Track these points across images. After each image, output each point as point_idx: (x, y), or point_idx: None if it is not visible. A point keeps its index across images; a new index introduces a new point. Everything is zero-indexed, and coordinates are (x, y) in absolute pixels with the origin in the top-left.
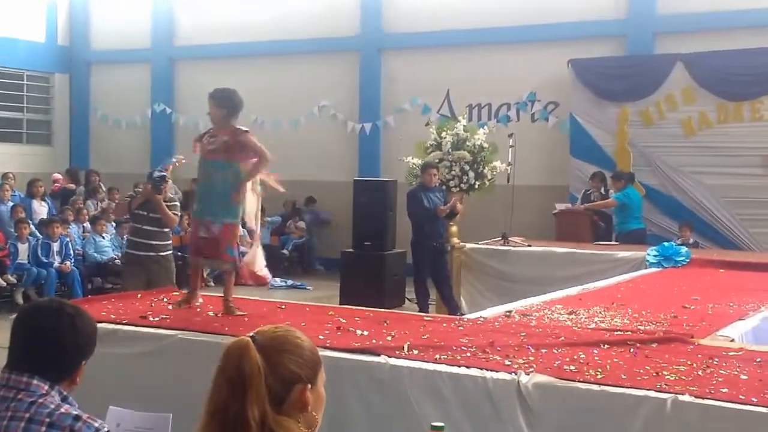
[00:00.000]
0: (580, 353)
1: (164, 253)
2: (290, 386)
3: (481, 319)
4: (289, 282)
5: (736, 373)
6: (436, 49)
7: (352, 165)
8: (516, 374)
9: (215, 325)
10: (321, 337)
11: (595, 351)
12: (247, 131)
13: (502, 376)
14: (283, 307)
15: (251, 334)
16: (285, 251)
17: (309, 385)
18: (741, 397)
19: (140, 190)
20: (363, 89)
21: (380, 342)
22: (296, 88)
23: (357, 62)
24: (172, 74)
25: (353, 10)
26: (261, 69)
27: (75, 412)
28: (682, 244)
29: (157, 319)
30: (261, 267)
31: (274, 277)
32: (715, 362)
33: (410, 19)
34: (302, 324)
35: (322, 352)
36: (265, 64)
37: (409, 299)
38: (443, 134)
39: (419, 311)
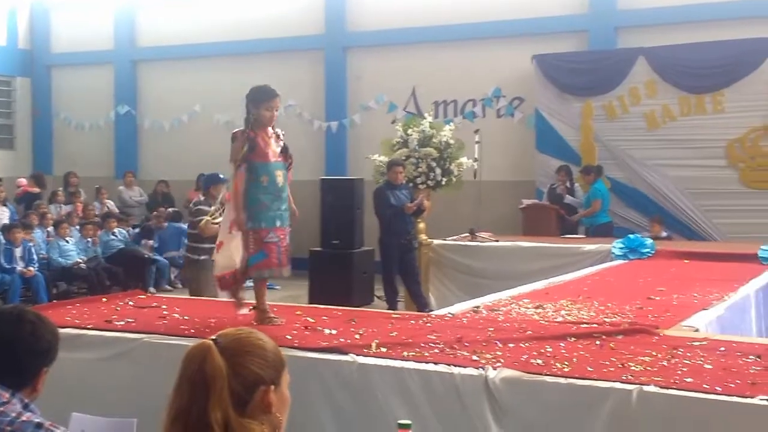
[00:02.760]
0: (547, 347)
1: None
2: (253, 388)
3: (449, 315)
4: None
5: (700, 362)
6: (401, 46)
7: (318, 164)
8: (483, 369)
9: (181, 328)
10: (289, 336)
11: (562, 344)
12: None
13: (470, 371)
14: (252, 308)
15: (213, 336)
16: None
17: (272, 387)
18: (705, 386)
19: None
20: (329, 88)
21: (348, 341)
22: None
23: (322, 61)
24: (136, 76)
25: (317, 9)
26: (225, 69)
27: (37, 420)
28: (654, 239)
29: (122, 323)
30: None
31: None
32: (679, 352)
33: (375, 17)
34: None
35: (290, 352)
36: (230, 64)
37: (378, 297)
38: (409, 131)
39: (388, 309)
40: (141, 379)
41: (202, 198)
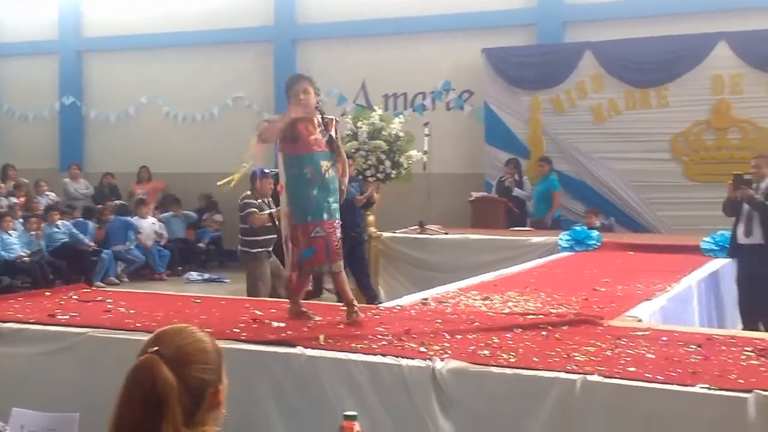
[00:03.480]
0: (494, 338)
1: None
2: (202, 395)
3: (398, 307)
4: (206, 276)
5: (643, 352)
6: (351, 39)
7: (269, 156)
8: (431, 361)
9: (126, 323)
10: (236, 329)
11: (509, 335)
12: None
13: (417, 363)
14: (199, 301)
15: (154, 348)
16: (201, 244)
17: (219, 386)
18: (647, 375)
19: (252, 202)
20: (278, 80)
21: (296, 333)
22: (210, 79)
23: (271, 53)
24: (81, 66)
25: (267, 1)
26: (173, 60)
27: None
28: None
29: (66, 317)
30: None
31: (190, 271)
32: (623, 342)
33: (324, 9)
34: (218, 317)
35: (238, 345)
36: (178, 55)
37: (327, 290)
38: (359, 124)
39: (338, 301)
40: (85, 374)
41: (249, 192)
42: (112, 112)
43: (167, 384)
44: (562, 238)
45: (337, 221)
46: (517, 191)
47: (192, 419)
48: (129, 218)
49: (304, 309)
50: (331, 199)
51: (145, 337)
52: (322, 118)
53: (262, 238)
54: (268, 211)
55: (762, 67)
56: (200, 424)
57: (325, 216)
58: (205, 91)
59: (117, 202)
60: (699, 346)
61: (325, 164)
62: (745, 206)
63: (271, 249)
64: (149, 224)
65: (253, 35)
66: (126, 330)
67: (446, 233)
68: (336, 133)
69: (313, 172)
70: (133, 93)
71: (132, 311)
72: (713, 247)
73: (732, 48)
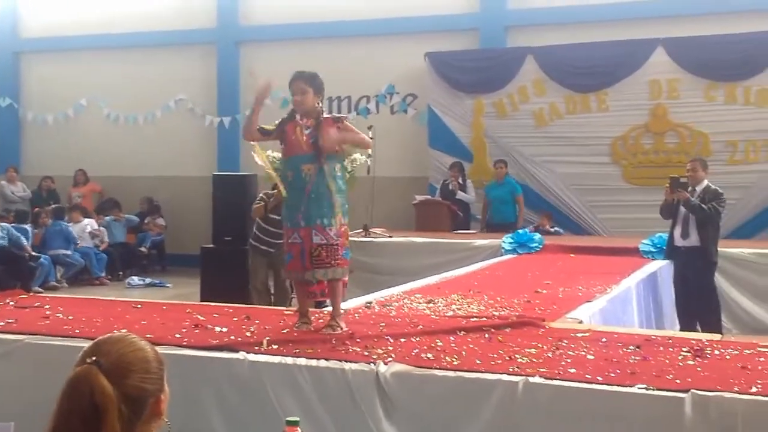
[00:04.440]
0: (438, 341)
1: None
2: (143, 405)
3: (342, 311)
4: (147, 280)
5: (583, 353)
6: (295, 41)
7: (210, 159)
8: (374, 364)
9: (65, 329)
10: (178, 335)
11: (452, 338)
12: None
13: (361, 366)
14: (139, 306)
15: (92, 358)
16: (143, 248)
17: (161, 395)
18: (587, 376)
19: (268, 193)
20: (221, 82)
21: (239, 338)
22: (151, 81)
23: (214, 55)
24: (18, 67)
25: (209, 2)
26: (114, 62)
27: None
28: (542, 233)
29: (2, 323)
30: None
31: (131, 275)
32: (564, 344)
33: (268, 11)
34: (159, 322)
35: (180, 351)
36: (118, 57)
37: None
38: None
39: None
40: (21, 381)
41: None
42: (51, 114)
43: (105, 396)
44: (506, 240)
45: (319, 227)
46: (461, 194)
47: (132, 429)
48: (66, 223)
49: (305, 317)
50: (313, 205)
51: (84, 344)
52: (317, 118)
53: (257, 232)
54: (260, 204)
55: (698, 72)
56: (142, 430)
57: (302, 222)
58: (147, 93)
59: (54, 206)
60: (637, 347)
61: (306, 168)
62: (682, 209)
63: (267, 245)
64: (82, 228)
65: (195, 37)
66: (64, 336)
67: (390, 236)
68: (339, 129)
69: (293, 176)
70: (72, 95)
71: (70, 317)
72: (651, 249)
73: (669, 53)
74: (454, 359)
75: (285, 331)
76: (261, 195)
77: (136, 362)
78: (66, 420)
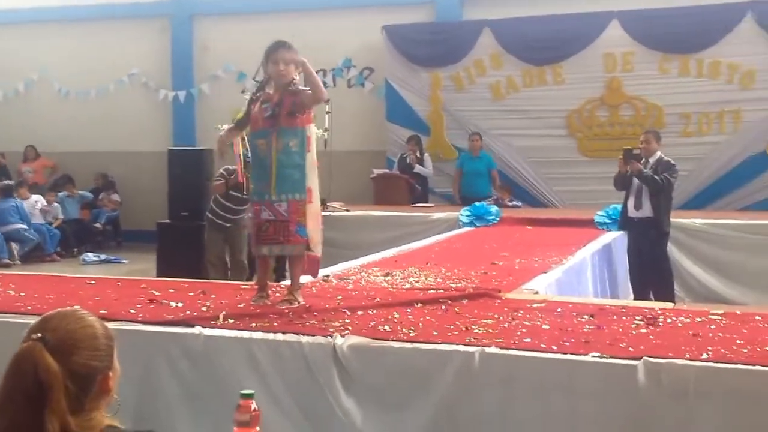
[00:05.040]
0: (395, 313)
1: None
2: (91, 382)
3: (299, 285)
4: (103, 257)
5: (539, 323)
6: (250, 15)
7: (165, 134)
8: (331, 337)
9: (17, 305)
10: (132, 311)
11: (409, 310)
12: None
13: (318, 340)
14: (93, 282)
15: (38, 334)
16: (98, 225)
17: (109, 372)
18: (542, 345)
19: (228, 169)
20: (175, 56)
21: (195, 313)
22: (104, 55)
23: (168, 29)
24: None
25: None
26: (65, 36)
27: None
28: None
29: None
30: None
31: (86, 252)
32: (520, 314)
33: None
34: (113, 298)
35: (134, 327)
36: (70, 30)
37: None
38: None
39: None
40: None
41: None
42: (0, 89)
43: (50, 373)
44: (463, 213)
45: (267, 203)
46: (418, 168)
47: (80, 407)
48: (16, 199)
49: (263, 291)
50: (262, 182)
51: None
52: (284, 91)
53: (214, 206)
54: (221, 182)
55: (651, 45)
56: (89, 411)
57: (255, 197)
58: (100, 68)
59: (5, 182)
60: (591, 317)
61: (260, 142)
62: (635, 181)
63: (223, 219)
64: (32, 204)
65: (149, 10)
66: (16, 313)
67: (348, 210)
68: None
69: (252, 153)
70: (22, 69)
71: (22, 294)
72: (606, 220)
73: (623, 26)
74: (410, 331)
75: (241, 305)
76: (221, 171)
77: (84, 339)
78: (10, 397)
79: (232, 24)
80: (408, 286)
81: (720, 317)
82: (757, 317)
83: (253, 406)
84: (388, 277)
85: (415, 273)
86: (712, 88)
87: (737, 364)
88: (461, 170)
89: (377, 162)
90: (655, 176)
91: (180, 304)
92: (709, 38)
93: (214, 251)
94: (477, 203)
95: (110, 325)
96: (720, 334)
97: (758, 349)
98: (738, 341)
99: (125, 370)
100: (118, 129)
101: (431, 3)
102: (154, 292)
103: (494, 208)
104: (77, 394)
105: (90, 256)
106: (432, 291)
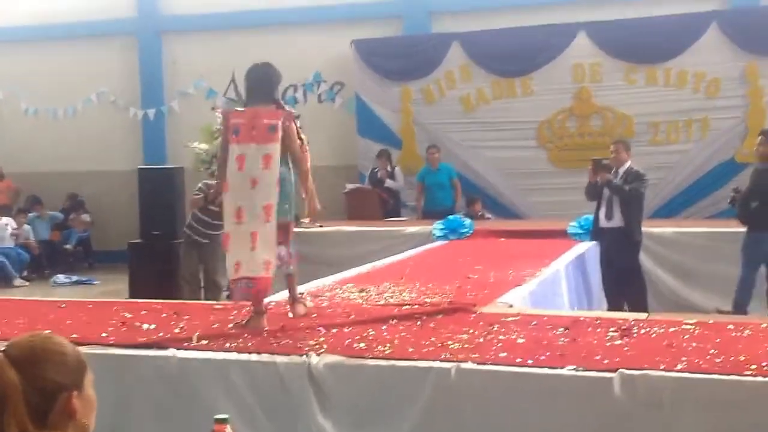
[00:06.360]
0: (370, 330)
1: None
2: (54, 397)
3: (272, 303)
4: (74, 278)
5: (514, 337)
6: (219, 31)
7: (135, 153)
8: (306, 356)
9: None
10: (104, 334)
11: (384, 327)
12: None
13: (293, 359)
14: (64, 306)
15: (2, 348)
16: (68, 246)
17: (75, 392)
18: (518, 360)
19: (208, 183)
20: (144, 74)
21: (168, 335)
22: (71, 74)
23: (136, 46)
24: None
25: None
26: (31, 54)
27: None
28: (471, 218)
29: None
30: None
31: (57, 274)
32: (495, 329)
33: (189, 0)
34: (85, 321)
35: (106, 350)
36: (36, 49)
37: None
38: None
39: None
40: None
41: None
42: None
43: (7, 382)
44: (436, 227)
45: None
46: (389, 182)
47: (43, 421)
48: None
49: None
50: None
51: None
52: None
53: (192, 222)
54: (199, 195)
55: (618, 55)
56: (51, 429)
57: None
58: (67, 86)
59: None
60: (566, 329)
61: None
62: (606, 191)
63: (200, 235)
64: (2, 227)
65: (116, 27)
66: None
67: (321, 226)
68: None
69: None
70: None
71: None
72: (579, 231)
73: (590, 37)
74: (386, 348)
75: (215, 325)
76: (200, 185)
77: (50, 353)
78: None
79: (201, 40)
80: (383, 302)
81: (693, 326)
82: (729, 326)
83: (227, 430)
84: (363, 293)
85: (390, 288)
86: (679, 97)
87: (712, 374)
88: (422, 183)
89: (349, 177)
90: (625, 186)
91: (153, 326)
92: (675, 48)
93: (188, 268)
94: (451, 216)
95: (82, 349)
96: (693, 344)
97: (731, 358)
98: (711, 351)
99: (98, 393)
100: (88, 148)
101: (400, 17)
102: (127, 314)
103: (467, 221)
104: (40, 406)
105: (61, 278)
106: (407, 307)
